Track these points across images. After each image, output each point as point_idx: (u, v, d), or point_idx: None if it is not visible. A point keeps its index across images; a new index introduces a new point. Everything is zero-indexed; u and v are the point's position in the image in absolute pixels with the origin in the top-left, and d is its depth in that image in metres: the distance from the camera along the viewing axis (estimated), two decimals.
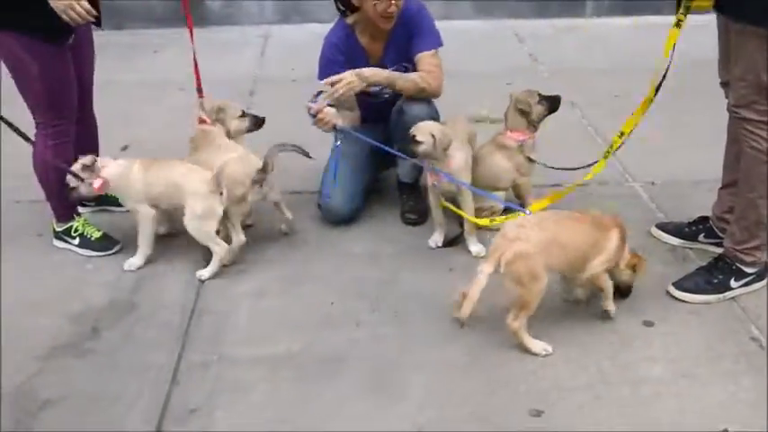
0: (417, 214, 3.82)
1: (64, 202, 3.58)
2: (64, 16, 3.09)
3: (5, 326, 3.11)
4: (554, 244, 2.85)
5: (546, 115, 3.75)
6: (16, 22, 3.16)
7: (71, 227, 3.63)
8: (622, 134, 3.30)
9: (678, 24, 3.02)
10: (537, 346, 2.91)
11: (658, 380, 2.79)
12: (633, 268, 3.07)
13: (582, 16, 7.29)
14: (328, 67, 3.70)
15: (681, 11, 2.98)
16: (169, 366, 2.89)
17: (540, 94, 3.71)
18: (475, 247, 3.55)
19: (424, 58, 3.67)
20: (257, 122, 3.81)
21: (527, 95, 3.69)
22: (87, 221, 3.68)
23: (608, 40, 6.61)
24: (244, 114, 3.79)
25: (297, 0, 7.10)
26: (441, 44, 3.74)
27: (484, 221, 3.47)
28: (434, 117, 3.66)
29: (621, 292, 3.11)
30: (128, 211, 3.55)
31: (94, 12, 3.15)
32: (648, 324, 3.07)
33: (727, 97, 3.15)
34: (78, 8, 3.07)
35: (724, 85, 3.17)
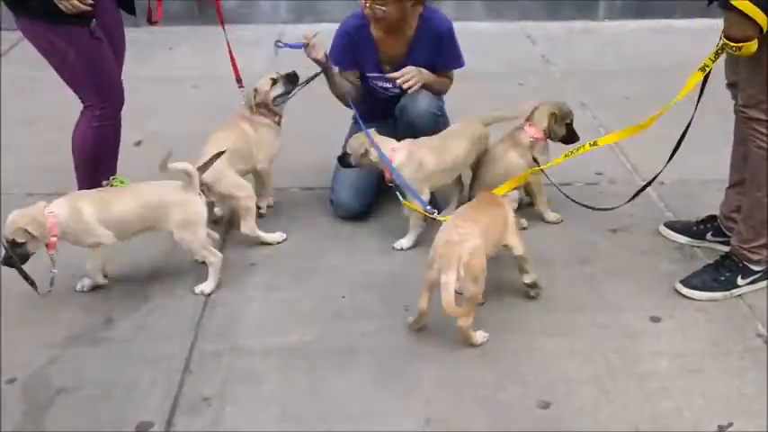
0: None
1: (89, 180, 3.67)
2: (62, 7, 3.17)
3: (20, 315, 3.17)
4: (486, 232, 2.92)
5: (560, 138, 3.78)
6: (40, 10, 3.22)
7: None
8: (595, 143, 3.27)
9: (703, 69, 2.93)
10: (479, 337, 2.96)
11: (664, 374, 2.81)
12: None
13: (594, 18, 7.30)
14: (333, 52, 3.78)
15: (713, 57, 2.88)
16: (182, 356, 2.94)
17: (571, 120, 3.78)
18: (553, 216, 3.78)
19: (446, 74, 3.79)
20: (291, 80, 3.76)
21: (568, 112, 3.76)
22: None
23: (620, 42, 6.62)
24: (275, 81, 3.75)
25: (310, 0, 7.15)
26: (462, 65, 3.86)
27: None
28: (437, 111, 3.71)
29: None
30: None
31: (90, 0, 3.21)
32: (656, 320, 3.10)
33: (734, 98, 3.17)
34: (70, 1, 3.16)
35: (731, 86, 3.19)
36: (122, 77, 3.70)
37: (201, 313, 3.19)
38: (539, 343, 2.99)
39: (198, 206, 3.24)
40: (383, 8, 3.53)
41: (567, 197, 3.59)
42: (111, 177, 3.75)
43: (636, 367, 2.85)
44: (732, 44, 2.73)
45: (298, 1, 7.20)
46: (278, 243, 3.66)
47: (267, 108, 3.72)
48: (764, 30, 2.66)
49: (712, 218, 3.56)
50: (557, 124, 3.74)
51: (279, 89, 3.74)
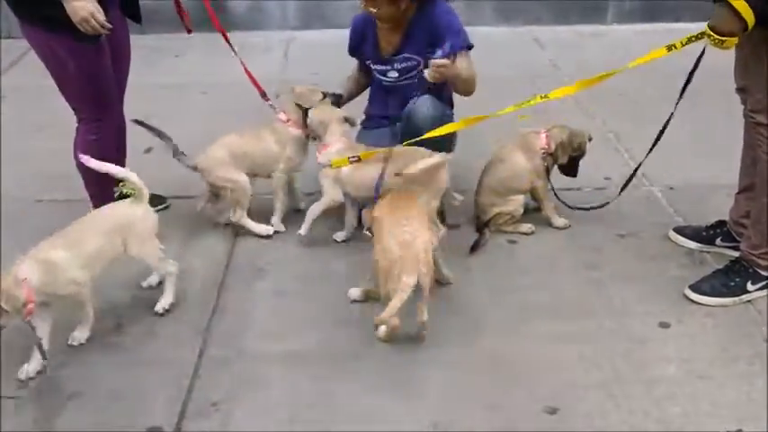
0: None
1: (100, 191, 3.61)
2: (80, 27, 3.15)
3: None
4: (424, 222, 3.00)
5: (560, 164, 3.77)
6: (46, 18, 3.19)
7: None
8: (546, 96, 3.24)
9: (669, 48, 2.99)
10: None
11: (673, 380, 2.81)
12: None
13: (603, 23, 7.29)
14: (349, 42, 3.92)
15: (684, 41, 2.93)
16: (191, 362, 2.96)
17: (578, 155, 3.78)
18: (561, 221, 3.77)
19: (462, 56, 3.63)
20: (335, 100, 3.83)
21: (579, 144, 3.74)
22: None
23: (628, 46, 6.59)
24: (324, 96, 3.78)
25: (320, 1, 7.17)
26: (467, 45, 3.71)
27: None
28: (444, 117, 3.67)
29: None
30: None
31: (109, 25, 3.20)
32: (665, 325, 3.10)
33: (743, 103, 3.17)
34: (93, 22, 3.13)
35: (740, 90, 3.17)
36: (130, 84, 3.72)
37: (210, 319, 3.20)
38: (546, 348, 2.98)
39: (154, 219, 3.21)
40: (374, 9, 3.59)
41: (558, 197, 3.61)
42: (120, 184, 3.76)
43: (644, 373, 2.85)
44: (716, 36, 2.76)
45: (307, 2, 7.22)
46: (265, 236, 3.72)
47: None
48: (749, 29, 2.71)
49: (722, 223, 3.55)
50: (563, 150, 3.72)
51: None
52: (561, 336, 3.04)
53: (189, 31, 3.80)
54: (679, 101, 3.15)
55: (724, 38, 2.75)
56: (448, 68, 3.40)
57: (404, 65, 3.78)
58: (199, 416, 2.71)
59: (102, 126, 3.54)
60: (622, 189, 3.58)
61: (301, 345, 3.04)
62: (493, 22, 7.12)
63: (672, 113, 3.17)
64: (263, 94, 3.89)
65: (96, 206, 3.64)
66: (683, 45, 2.95)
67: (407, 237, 2.87)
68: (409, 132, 3.62)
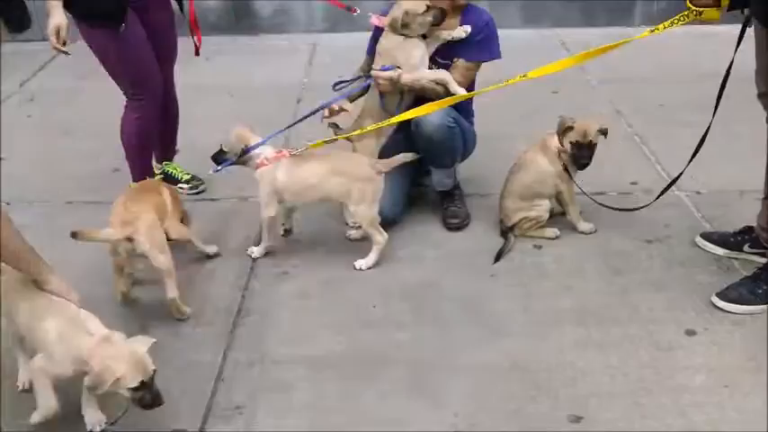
0: (459, 218, 3.85)
1: (138, 167, 4.00)
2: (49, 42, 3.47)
3: None
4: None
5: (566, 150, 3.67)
6: (84, 14, 3.55)
7: None
8: (524, 75, 3.31)
9: (653, 30, 3.08)
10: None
11: (699, 389, 2.77)
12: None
13: (630, 25, 7.22)
14: (370, 42, 3.89)
15: (667, 24, 3.02)
16: (215, 365, 2.98)
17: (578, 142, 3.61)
18: (586, 225, 3.76)
19: (461, 65, 3.72)
20: (441, 14, 3.65)
21: (585, 128, 3.59)
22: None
23: (656, 48, 6.50)
24: (428, 9, 3.61)
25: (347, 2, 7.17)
26: (495, 57, 3.78)
27: None
28: (450, 123, 3.67)
29: None
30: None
31: (63, 49, 3.47)
32: (691, 333, 3.06)
33: (765, 109, 3.12)
34: (50, 41, 3.46)
35: (762, 96, 3.13)
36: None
37: (234, 322, 3.22)
38: (571, 356, 2.96)
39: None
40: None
41: (590, 197, 3.57)
42: (165, 163, 4.23)
43: (670, 381, 2.81)
44: (693, 7, 2.87)
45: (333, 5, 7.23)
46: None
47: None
48: (723, 3, 2.81)
49: (750, 229, 3.50)
50: (565, 137, 3.62)
51: (428, 18, 3.63)
52: (586, 342, 3.02)
53: (197, 53, 4.06)
54: (715, 112, 3.12)
55: (701, 9, 2.85)
56: (391, 83, 3.57)
57: (443, 63, 3.76)
58: (222, 419, 2.73)
59: (145, 105, 3.85)
60: (657, 197, 3.53)
61: (324, 348, 3.05)
62: (519, 25, 7.08)
63: (709, 126, 3.13)
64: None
65: (136, 179, 3.97)
66: (667, 27, 3.03)
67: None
68: (420, 138, 3.63)
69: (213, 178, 4.03)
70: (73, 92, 5.73)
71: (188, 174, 4.28)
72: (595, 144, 3.60)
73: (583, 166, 3.65)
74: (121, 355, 2.44)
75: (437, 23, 3.60)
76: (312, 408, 2.76)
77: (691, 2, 2.87)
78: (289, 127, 3.84)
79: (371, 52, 3.80)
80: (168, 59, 4.01)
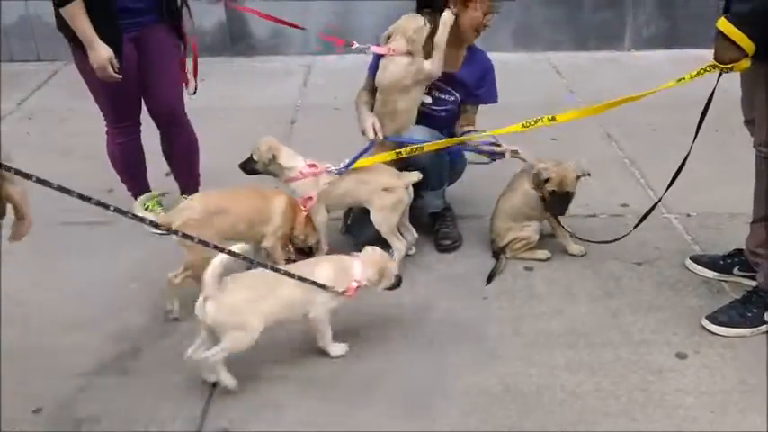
0: (450, 240, 3.87)
1: (133, 184, 4.13)
2: (98, 74, 3.55)
3: (51, 345, 3.22)
4: None
5: (545, 198, 3.66)
6: (75, 38, 3.52)
7: (141, 203, 4.03)
8: (553, 119, 3.34)
9: (679, 80, 3.07)
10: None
11: (690, 412, 2.78)
12: None
13: (620, 49, 7.31)
14: (373, 59, 3.84)
15: (693, 75, 2.99)
16: (205, 386, 2.96)
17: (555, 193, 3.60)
18: (577, 248, 3.79)
19: (473, 111, 3.88)
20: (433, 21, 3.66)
21: (563, 177, 3.59)
22: (157, 203, 4.13)
23: (646, 72, 6.61)
24: (425, 23, 3.63)
25: (341, 26, 7.23)
26: (496, 100, 3.94)
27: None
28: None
29: None
30: None
31: (118, 77, 3.56)
32: (682, 356, 3.07)
33: (752, 135, 3.16)
34: (108, 71, 3.53)
35: (748, 123, 3.18)
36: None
37: None
38: (562, 378, 2.97)
39: None
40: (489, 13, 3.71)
41: (569, 232, 3.60)
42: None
43: (661, 404, 2.82)
44: (722, 66, 2.83)
45: (328, 27, 7.28)
46: None
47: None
48: (749, 53, 2.76)
49: (739, 252, 3.52)
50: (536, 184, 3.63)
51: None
52: (578, 365, 3.03)
53: (194, 91, 4.09)
54: (696, 136, 3.15)
55: (730, 65, 2.81)
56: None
57: (443, 96, 3.82)
58: None
59: (125, 131, 3.91)
60: (638, 223, 3.55)
61: (316, 369, 3.05)
62: (511, 49, 7.15)
63: (690, 149, 3.16)
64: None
65: (134, 194, 4.08)
66: (693, 78, 2.99)
67: None
68: (408, 161, 3.66)
69: None
70: (70, 111, 5.75)
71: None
72: (572, 193, 3.62)
73: (557, 215, 3.68)
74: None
75: (432, 34, 3.64)
76: (303, 430, 2.76)
77: (717, 60, 2.83)
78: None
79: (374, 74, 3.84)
80: (171, 85, 3.93)
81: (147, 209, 4.00)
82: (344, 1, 7.19)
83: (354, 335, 3.25)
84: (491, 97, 3.91)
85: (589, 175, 3.68)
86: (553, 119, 3.31)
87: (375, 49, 3.65)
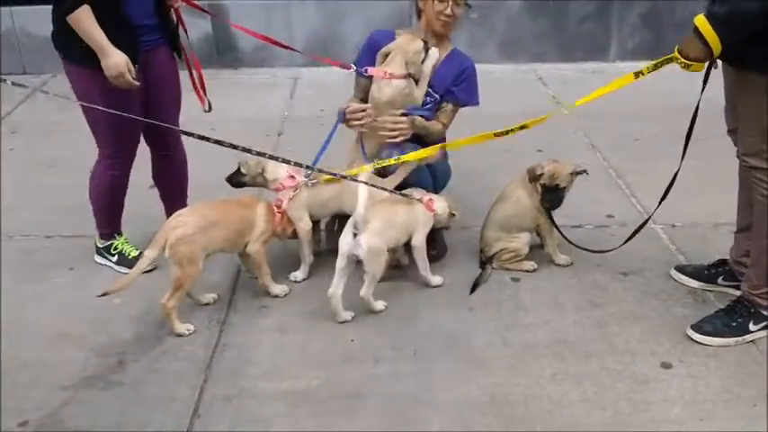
0: (435, 250, 3.86)
1: (109, 223, 3.84)
2: (114, 82, 3.30)
3: (34, 357, 3.21)
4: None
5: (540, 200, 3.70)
6: (83, 56, 3.30)
7: (111, 245, 3.85)
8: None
9: (637, 74, 3.07)
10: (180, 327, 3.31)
11: (675, 421, 2.79)
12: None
13: (605, 60, 7.37)
14: (360, 56, 3.87)
15: (650, 67, 3.01)
16: (192, 399, 2.95)
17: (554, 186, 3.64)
18: (563, 258, 3.79)
19: (449, 109, 3.81)
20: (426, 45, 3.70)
21: (556, 173, 3.63)
22: (127, 241, 3.90)
23: (631, 83, 6.65)
24: (423, 47, 3.67)
25: (326, 38, 7.26)
26: (478, 103, 3.90)
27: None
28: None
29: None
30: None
31: (137, 83, 3.35)
32: (667, 366, 3.08)
33: (735, 145, 3.19)
34: (127, 77, 3.30)
35: (731, 132, 3.20)
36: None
37: (212, 356, 3.20)
38: (548, 388, 2.97)
39: None
40: (458, 6, 3.67)
41: (565, 237, 3.62)
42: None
43: (646, 414, 2.83)
44: (683, 60, 2.85)
45: (314, 39, 7.31)
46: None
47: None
48: (714, 56, 2.80)
49: (723, 262, 3.55)
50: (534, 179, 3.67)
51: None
52: (564, 375, 3.04)
53: (209, 108, 3.94)
54: (684, 152, 3.17)
55: (690, 62, 2.84)
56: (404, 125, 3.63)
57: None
58: None
59: (121, 163, 3.68)
60: (629, 238, 3.56)
61: (303, 383, 3.04)
62: (497, 60, 7.20)
63: (680, 165, 3.19)
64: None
65: (101, 232, 3.86)
66: (651, 71, 3.02)
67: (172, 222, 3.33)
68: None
69: None
70: (55, 125, 5.74)
71: (137, 250, 3.88)
72: (564, 188, 3.64)
73: (549, 210, 3.70)
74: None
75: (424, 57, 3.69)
76: None
77: (680, 53, 2.85)
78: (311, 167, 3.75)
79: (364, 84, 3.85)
80: (174, 106, 3.82)
81: (121, 252, 3.85)
82: (332, 2, 7.20)
83: (340, 344, 3.25)
84: (469, 98, 3.85)
85: (586, 172, 3.72)
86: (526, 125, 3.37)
87: (373, 72, 3.67)
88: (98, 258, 3.90)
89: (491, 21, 7.29)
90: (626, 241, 3.56)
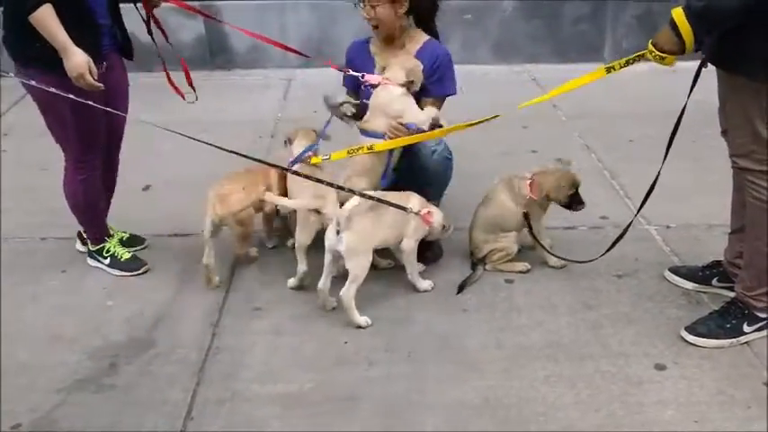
0: (431, 251, 3.85)
1: (95, 227, 3.82)
2: (76, 83, 3.21)
3: (28, 361, 3.19)
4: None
5: (561, 204, 3.72)
6: (41, 59, 3.23)
7: (103, 247, 3.83)
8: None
9: (609, 69, 3.07)
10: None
11: (669, 423, 2.79)
12: None
13: (600, 61, 7.36)
14: (347, 63, 3.93)
15: (623, 63, 3.01)
16: (184, 402, 2.94)
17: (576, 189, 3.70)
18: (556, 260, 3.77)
19: (430, 102, 3.77)
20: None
21: (573, 183, 3.68)
22: (119, 243, 3.88)
23: (625, 85, 6.64)
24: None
25: (320, 39, 7.25)
26: (454, 92, 3.85)
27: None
28: (447, 155, 3.77)
29: None
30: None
31: (100, 85, 3.24)
32: (661, 367, 3.08)
33: (729, 145, 3.19)
34: (88, 79, 3.19)
35: (724, 133, 3.20)
36: (131, 122, 3.75)
37: (205, 359, 3.19)
38: (542, 390, 2.97)
39: None
40: (373, 12, 3.65)
41: (549, 252, 3.65)
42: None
43: (640, 416, 2.82)
44: (656, 52, 2.87)
45: (308, 40, 7.29)
46: None
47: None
48: (686, 50, 2.81)
49: (717, 263, 3.55)
50: (559, 193, 3.67)
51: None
52: (557, 377, 3.03)
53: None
54: (668, 151, 3.17)
55: (664, 54, 2.85)
56: (401, 133, 3.58)
57: None
58: None
59: (89, 165, 3.62)
60: (615, 242, 3.52)
61: (296, 386, 3.03)
62: (491, 61, 7.20)
63: (662, 165, 3.18)
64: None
65: (90, 237, 3.83)
66: (622, 66, 3.03)
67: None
68: (417, 171, 3.66)
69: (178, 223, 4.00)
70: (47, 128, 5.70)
71: (128, 252, 3.89)
72: (574, 190, 3.70)
73: (576, 210, 3.74)
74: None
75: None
76: None
77: (655, 45, 2.88)
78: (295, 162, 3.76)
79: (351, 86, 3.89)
80: (122, 122, 3.76)
81: (113, 254, 3.82)
82: (326, 3, 7.19)
83: (333, 348, 3.24)
84: (444, 89, 3.81)
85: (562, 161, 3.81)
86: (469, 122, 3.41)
87: (369, 78, 3.68)
88: (90, 261, 3.88)
89: (485, 22, 7.29)
90: (613, 244, 3.51)
